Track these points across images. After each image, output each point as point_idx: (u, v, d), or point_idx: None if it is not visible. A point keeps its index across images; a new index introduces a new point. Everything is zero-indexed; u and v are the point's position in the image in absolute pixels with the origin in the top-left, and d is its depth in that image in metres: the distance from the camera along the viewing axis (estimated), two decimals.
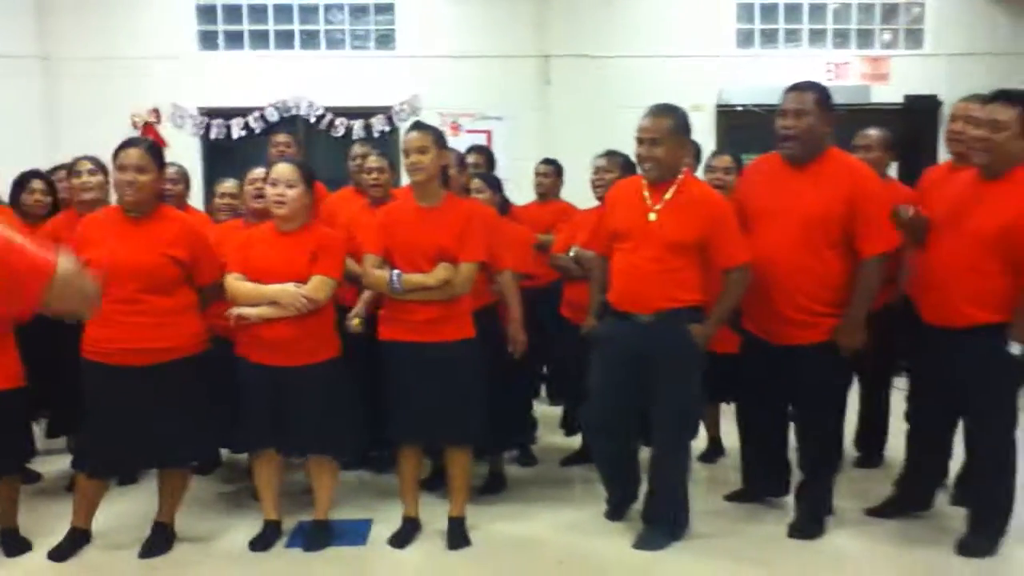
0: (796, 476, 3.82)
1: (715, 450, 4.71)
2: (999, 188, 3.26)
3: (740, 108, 7.74)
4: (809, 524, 3.67)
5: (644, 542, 3.59)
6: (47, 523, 3.83)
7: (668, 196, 3.40)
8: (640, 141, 3.42)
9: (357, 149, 4.68)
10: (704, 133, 7.65)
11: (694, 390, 3.51)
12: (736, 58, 8.01)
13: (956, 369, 3.39)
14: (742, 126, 7.62)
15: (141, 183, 3.34)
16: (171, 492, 3.64)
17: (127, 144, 3.42)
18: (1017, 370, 3.33)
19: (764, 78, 7.55)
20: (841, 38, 8.20)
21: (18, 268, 1.65)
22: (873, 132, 4.34)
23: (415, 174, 3.47)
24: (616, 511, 3.88)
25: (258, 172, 3.93)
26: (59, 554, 3.51)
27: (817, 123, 3.40)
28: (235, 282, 3.44)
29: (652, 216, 3.41)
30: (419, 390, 3.45)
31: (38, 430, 4.24)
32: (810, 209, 3.39)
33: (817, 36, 8.20)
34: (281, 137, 5.14)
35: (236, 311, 3.39)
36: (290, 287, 3.37)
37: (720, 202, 3.50)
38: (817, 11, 8.18)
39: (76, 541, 3.57)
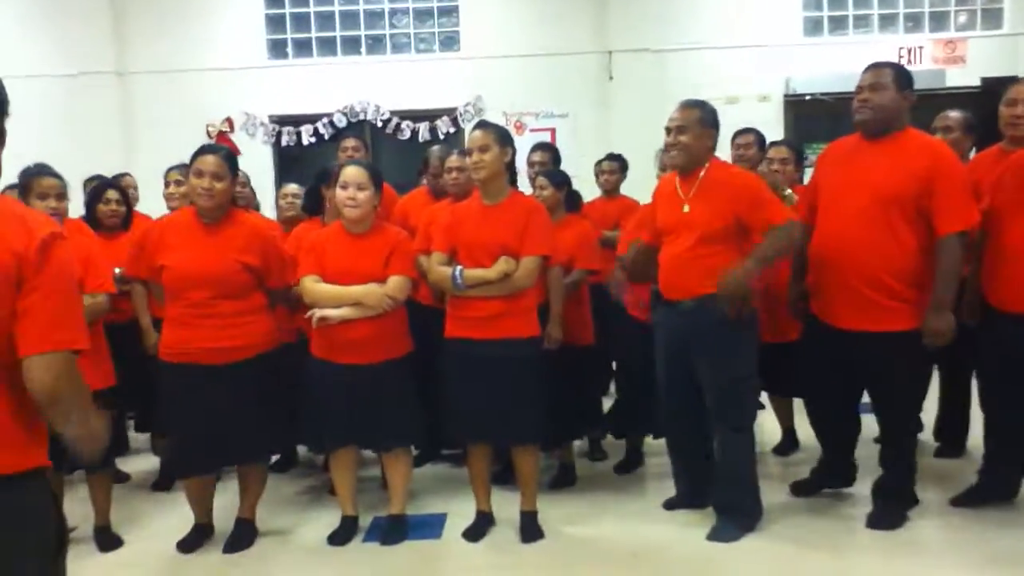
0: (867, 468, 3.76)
1: (789, 443, 4.65)
2: None
3: (809, 97, 7.61)
4: (888, 514, 3.60)
5: (717, 533, 3.58)
6: (138, 519, 4.00)
7: (697, 184, 3.48)
8: (668, 131, 3.54)
9: (436, 152, 4.71)
10: (771, 124, 7.56)
11: (740, 372, 3.52)
12: (803, 46, 7.89)
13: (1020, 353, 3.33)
14: (811, 116, 7.51)
15: (218, 190, 3.43)
16: (251, 488, 3.75)
17: (204, 151, 3.52)
18: None
19: (833, 66, 7.42)
20: (913, 22, 8.00)
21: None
22: (953, 114, 4.26)
23: (476, 172, 3.53)
24: (680, 500, 3.87)
25: (291, 188, 4.25)
26: (186, 545, 3.67)
27: (895, 97, 3.40)
28: (315, 284, 3.52)
29: (686, 208, 3.50)
30: (479, 388, 3.48)
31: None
32: (884, 183, 3.35)
33: (888, 21, 8.02)
34: (350, 142, 5.23)
35: (319, 313, 3.47)
36: (375, 288, 3.45)
37: (743, 174, 3.59)
38: None
39: (200, 534, 3.73)
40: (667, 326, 3.62)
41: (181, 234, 3.52)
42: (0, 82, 1.75)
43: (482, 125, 3.64)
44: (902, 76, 3.43)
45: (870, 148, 3.45)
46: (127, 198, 4.58)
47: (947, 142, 3.87)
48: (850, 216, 3.41)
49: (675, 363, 3.61)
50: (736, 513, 3.62)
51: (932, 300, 3.33)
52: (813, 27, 8.01)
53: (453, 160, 4.30)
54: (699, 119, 3.51)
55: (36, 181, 3.56)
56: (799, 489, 3.96)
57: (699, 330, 3.48)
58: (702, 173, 3.51)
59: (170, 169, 4.75)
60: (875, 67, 3.47)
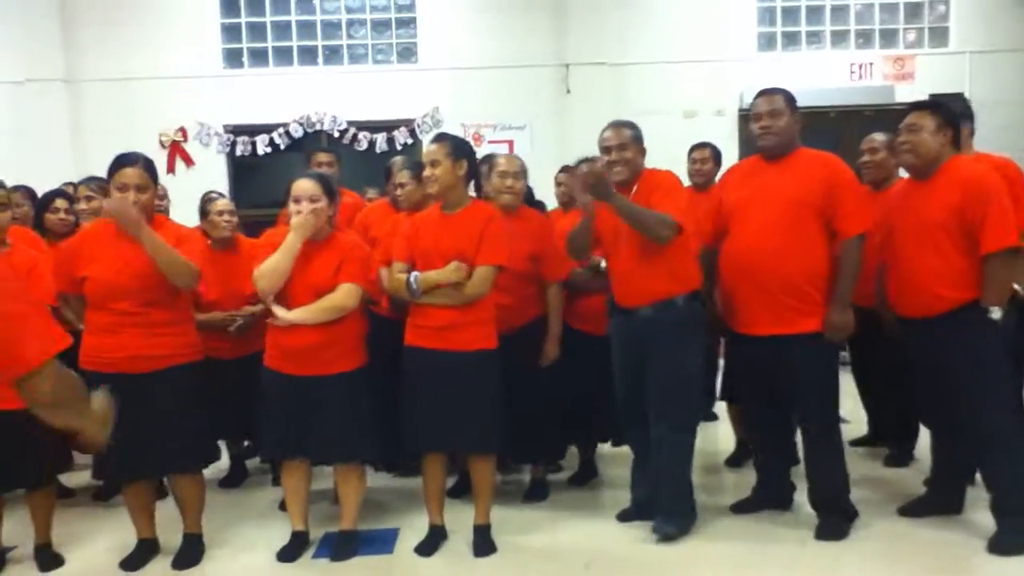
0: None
1: (742, 454, 4.68)
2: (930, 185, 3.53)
3: None
4: (834, 527, 3.64)
5: (657, 529, 3.66)
6: (81, 537, 3.90)
7: (632, 195, 3.57)
8: (608, 150, 3.64)
9: (397, 163, 4.64)
10: (726, 138, 7.66)
11: (687, 370, 3.60)
12: (757, 62, 8.00)
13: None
14: None
15: (143, 202, 3.36)
16: (187, 500, 3.65)
17: (123, 162, 3.41)
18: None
19: (787, 81, 7.47)
20: (864, 38, 8.15)
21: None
22: (879, 136, 4.48)
23: (429, 186, 3.56)
24: (634, 512, 3.90)
25: (223, 203, 4.23)
26: (130, 564, 3.58)
27: (790, 120, 3.61)
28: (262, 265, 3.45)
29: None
30: (435, 398, 3.48)
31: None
32: (792, 192, 3.54)
33: (839, 37, 8.16)
34: (323, 156, 5.21)
35: (280, 312, 3.41)
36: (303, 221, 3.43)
37: (664, 175, 3.65)
38: (839, 12, 8.15)
39: (144, 551, 3.64)
40: (624, 334, 3.68)
41: (102, 245, 3.42)
42: None
43: (438, 138, 3.63)
44: (791, 100, 3.63)
45: (772, 167, 3.65)
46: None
47: (873, 163, 4.38)
48: (762, 226, 3.56)
49: (632, 370, 3.66)
50: (673, 514, 3.68)
51: (834, 296, 3.52)
52: (767, 42, 8.13)
53: (402, 175, 4.30)
54: (632, 137, 3.66)
55: None
56: (739, 509, 3.97)
57: (655, 333, 3.56)
58: (636, 185, 3.62)
59: (80, 182, 4.50)
60: (768, 94, 3.65)
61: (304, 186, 3.48)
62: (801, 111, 3.68)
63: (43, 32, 7.71)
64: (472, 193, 3.69)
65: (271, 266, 3.42)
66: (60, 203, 4.50)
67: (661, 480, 3.70)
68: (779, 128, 3.58)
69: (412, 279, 3.49)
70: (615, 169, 3.61)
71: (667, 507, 3.70)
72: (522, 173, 4.07)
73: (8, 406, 3.16)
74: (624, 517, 3.90)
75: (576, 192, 3.62)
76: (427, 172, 3.53)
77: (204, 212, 4.33)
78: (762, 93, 3.67)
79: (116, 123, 7.60)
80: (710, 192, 4.74)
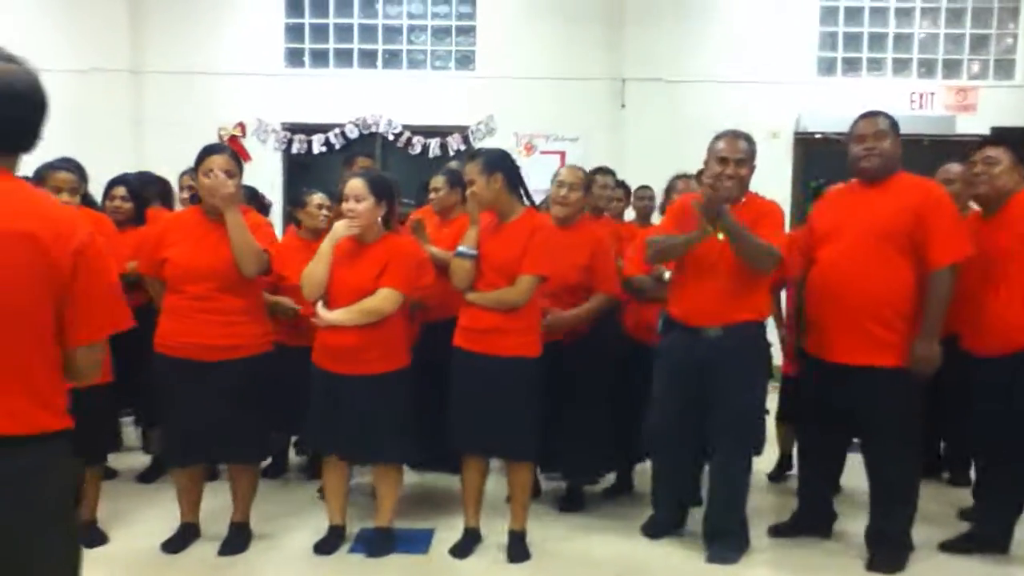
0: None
1: (785, 468, 4.68)
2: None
3: (819, 136, 7.64)
4: (890, 558, 3.57)
5: (717, 555, 3.61)
6: (124, 516, 3.98)
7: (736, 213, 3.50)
8: (724, 160, 3.53)
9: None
10: (780, 160, 7.60)
11: (757, 400, 3.63)
12: (816, 85, 7.93)
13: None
14: (820, 154, 7.52)
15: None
16: (241, 491, 3.73)
17: (212, 150, 3.56)
18: None
19: (845, 106, 7.44)
20: (926, 68, 8.04)
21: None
22: (954, 167, 4.38)
23: (470, 203, 3.62)
24: (658, 526, 3.88)
25: (319, 197, 4.26)
26: (173, 546, 3.66)
27: (894, 143, 3.55)
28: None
29: (721, 236, 3.49)
30: (475, 401, 3.51)
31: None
32: (879, 219, 3.47)
33: (901, 65, 8.06)
34: (364, 161, 5.29)
35: (320, 312, 3.46)
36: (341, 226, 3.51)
37: (772, 205, 3.65)
38: (902, 40, 8.05)
39: (186, 535, 3.72)
40: (683, 353, 3.61)
41: (186, 229, 3.56)
42: (40, 87, 1.83)
43: (472, 156, 3.69)
44: (895, 123, 3.59)
45: (868, 191, 3.58)
46: (135, 196, 4.60)
47: (951, 193, 4.01)
48: (849, 251, 3.50)
49: (684, 389, 3.61)
50: (729, 537, 3.66)
51: (922, 328, 3.42)
52: (827, 67, 8.06)
53: (436, 181, 4.39)
54: (750, 153, 3.59)
55: (51, 175, 3.60)
56: (778, 532, 3.93)
57: (722, 357, 3.51)
58: (742, 203, 3.57)
59: (183, 173, 4.77)
60: (872, 116, 3.59)
61: (351, 185, 3.54)
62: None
63: (111, 22, 7.88)
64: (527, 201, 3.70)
65: (308, 273, 3.49)
66: (118, 191, 4.61)
67: (719, 506, 3.67)
68: (883, 150, 3.51)
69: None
70: (726, 184, 3.51)
71: (725, 533, 3.66)
72: (580, 185, 4.07)
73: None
74: (651, 532, 3.88)
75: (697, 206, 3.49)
76: (468, 191, 3.61)
77: (303, 203, 4.42)
78: (865, 115, 3.60)
79: (177, 115, 7.74)
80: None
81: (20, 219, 1.71)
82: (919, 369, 3.44)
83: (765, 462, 4.83)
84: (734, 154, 3.54)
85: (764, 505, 4.30)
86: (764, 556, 3.71)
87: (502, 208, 3.59)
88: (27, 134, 1.79)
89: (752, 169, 3.60)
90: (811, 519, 3.89)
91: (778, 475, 4.74)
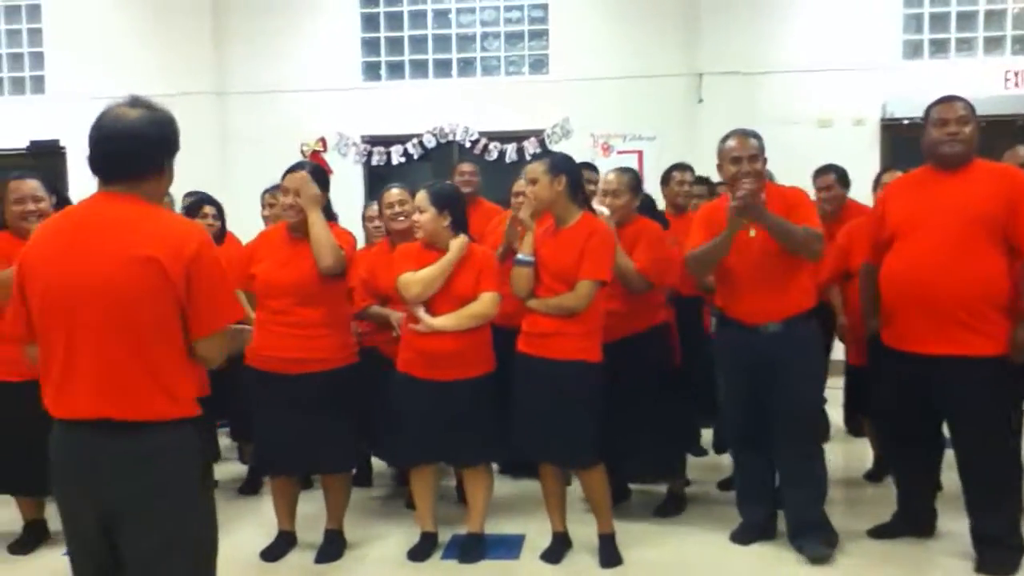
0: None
1: (882, 469, 4.53)
2: None
3: (907, 122, 7.37)
4: (1001, 560, 3.41)
5: (810, 552, 3.56)
6: (222, 526, 4.09)
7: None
8: (738, 160, 3.53)
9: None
10: (866, 149, 7.38)
11: (820, 393, 3.75)
12: (902, 69, 7.66)
13: None
14: (910, 140, 7.26)
15: (301, 202, 3.56)
16: (335, 499, 3.81)
17: (292, 168, 3.67)
18: None
19: (934, 89, 7.16)
20: (1021, 44, 7.69)
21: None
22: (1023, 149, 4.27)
23: (527, 203, 3.62)
24: (747, 533, 3.79)
25: (394, 194, 4.14)
26: (272, 554, 3.76)
27: (975, 128, 3.46)
28: (411, 274, 3.58)
29: (752, 233, 3.52)
30: (535, 406, 3.50)
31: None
32: (969, 207, 3.35)
33: (993, 43, 7.72)
34: (466, 167, 5.38)
35: (426, 319, 3.52)
36: (459, 244, 3.58)
37: (796, 192, 3.69)
38: (994, 17, 7.72)
39: (284, 543, 3.81)
40: (744, 351, 3.60)
41: (272, 246, 3.69)
42: (171, 123, 2.19)
43: (538, 156, 3.76)
44: (973, 108, 3.48)
45: (946, 178, 3.45)
46: (222, 214, 4.76)
47: None
48: (935, 241, 3.38)
49: (752, 390, 3.61)
50: (816, 530, 3.61)
51: (1020, 316, 3.31)
52: (913, 50, 7.78)
53: (518, 185, 4.35)
54: (761, 147, 3.59)
55: None
56: (880, 534, 3.80)
57: (783, 352, 3.52)
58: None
59: (265, 191, 4.93)
60: (952, 100, 3.49)
61: (418, 197, 3.66)
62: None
63: (197, 47, 8.18)
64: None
65: (431, 276, 3.54)
66: (208, 209, 4.78)
67: (798, 499, 3.62)
68: (966, 136, 3.41)
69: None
70: (746, 183, 3.47)
71: (810, 527, 3.61)
72: (622, 191, 3.97)
73: None
74: (742, 538, 3.79)
75: (728, 211, 3.47)
76: (528, 190, 3.60)
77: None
78: (945, 99, 3.50)
79: (261, 133, 7.97)
80: (840, 219, 4.59)
81: (143, 245, 2.02)
82: (1017, 358, 3.31)
83: (855, 458, 4.71)
84: (746, 151, 3.54)
85: (861, 506, 4.17)
86: (862, 560, 3.59)
87: (560, 212, 3.58)
88: (145, 165, 2.12)
89: (765, 162, 3.59)
90: (912, 519, 3.76)
91: (877, 474, 4.57)
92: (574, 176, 3.60)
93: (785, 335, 3.53)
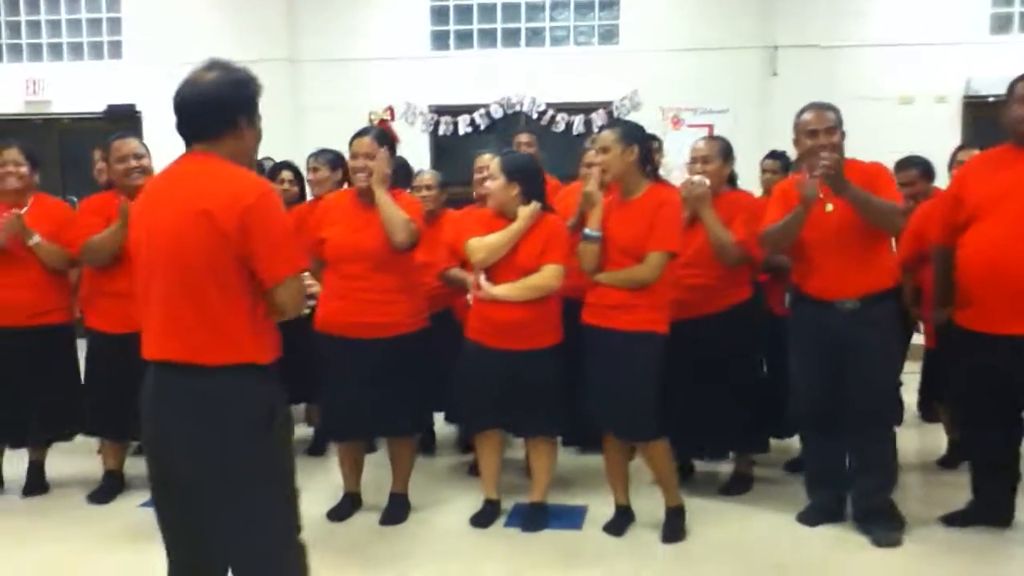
0: None
1: (956, 454, 4.42)
2: None
3: (992, 99, 7.10)
4: None
5: (881, 538, 3.49)
6: None
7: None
8: (815, 133, 3.48)
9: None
10: (948, 126, 7.14)
11: (898, 369, 3.68)
12: (987, 45, 7.37)
13: None
14: (994, 119, 7.00)
15: (371, 168, 3.59)
16: (400, 463, 3.87)
17: (359, 133, 3.71)
18: None
19: (1021, 66, 6.89)
20: None
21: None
22: None
23: (600, 173, 3.56)
24: (816, 514, 3.72)
25: (486, 158, 4.16)
26: (337, 515, 3.84)
27: None
28: (479, 240, 3.59)
29: (829, 207, 3.46)
30: (602, 376, 3.48)
31: None
32: None
33: None
34: (524, 137, 5.37)
35: (487, 286, 3.53)
36: (528, 211, 3.57)
37: (876, 167, 3.59)
38: None
39: (349, 504, 3.89)
40: (821, 329, 3.51)
41: (342, 211, 3.73)
42: (244, 83, 2.25)
43: (609, 124, 3.79)
44: None
45: None
46: (300, 178, 4.83)
47: None
48: (1018, 222, 3.29)
49: (826, 365, 3.52)
50: (887, 516, 3.55)
51: None
52: (1000, 24, 7.48)
53: (589, 155, 4.30)
54: (838, 120, 3.53)
55: None
56: (952, 521, 3.71)
57: (861, 330, 3.44)
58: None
59: (309, 156, 4.88)
60: None
61: (490, 163, 3.67)
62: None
63: (272, 16, 8.28)
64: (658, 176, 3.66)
65: (495, 243, 3.55)
66: (286, 175, 4.85)
67: (869, 484, 3.56)
68: None
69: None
70: (824, 155, 3.39)
71: (880, 512, 3.56)
72: (713, 156, 3.92)
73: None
74: (809, 520, 3.73)
75: (801, 183, 3.41)
76: (599, 159, 3.55)
77: (414, 187, 4.52)
78: (1021, 77, 3.39)
79: (331, 101, 8.03)
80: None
81: (199, 199, 2.11)
82: None
83: (936, 444, 4.60)
84: (822, 124, 3.48)
85: (934, 492, 4.08)
86: (931, 547, 3.51)
87: (629, 182, 3.53)
88: (218, 124, 2.20)
89: (843, 136, 3.52)
90: (988, 508, 3.66)
91: (951, 461, 4.46)
92: (645, 146, 3.56)
93: (862, 313, 3.45)
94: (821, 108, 3.55)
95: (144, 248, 2.21)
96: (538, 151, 5.27)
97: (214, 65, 2.23)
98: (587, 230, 3.55)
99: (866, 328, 3.45)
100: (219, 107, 2.20)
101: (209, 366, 2.12)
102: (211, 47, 8.15)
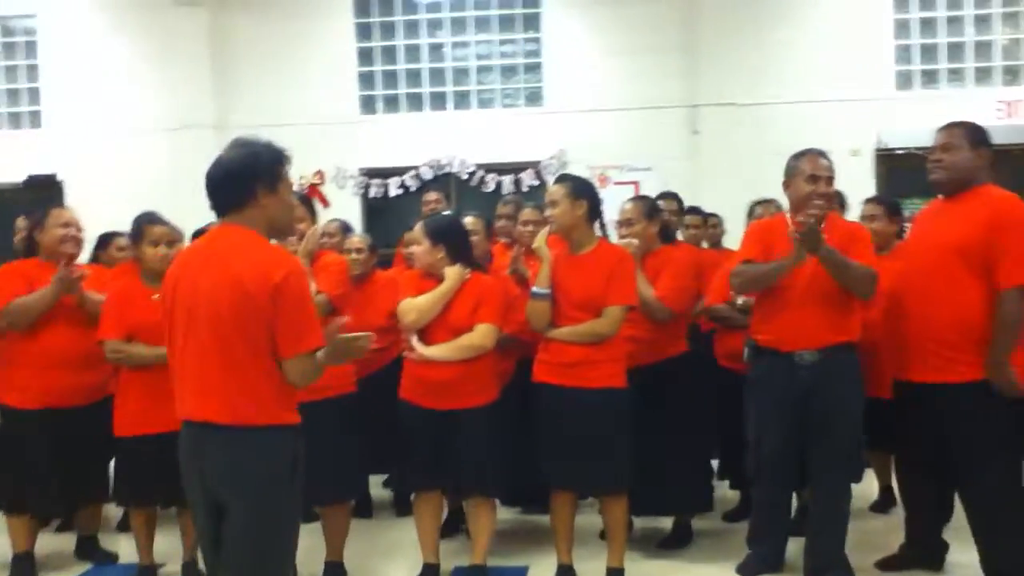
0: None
1: (887, 500, 4.51)
2: None
3: (901, 152, 7.44)
4: None
5: None
6: None
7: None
8: (816, 179, 3.48)
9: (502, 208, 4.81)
10: (862, 179, 7.41)
11: (858, 422, 3.54)
12: (895, 100, 7.74)
13: None
14: (904, 170, 7.32)
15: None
16: (335, 530, 3.77)
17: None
18: None
19: (927, 119, 7.20)
20: (1011, 75, 7.78)
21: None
22: None
23: (550, 226, 3.60)
24: (757, 564, 3.72)
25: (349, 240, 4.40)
26: None
27: (968, 156, 3.40)
28: (411, 300, 3.57)
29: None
30: (563, 435, 3.47)
31: None
32: (947, 235, 3.35)
33: (984, 73, 7.82)
34: (431, 195, 5.45)
35: (419, 348, 3.50)
36: (457, 271, 3.56)
37: (859, 228, 3.69)
38: (984, 48, 7.82)
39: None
40: (778, 380, 3.50)
41: None
42: (257, 155, 2.46)
43: (559, 179, 3.75)
44: (975, 134, 3.42)
45: (947, 206, 3.48)
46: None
47: None
48: (917, 268, 3.43)
49: (784, 418, 3.50)
50: (837, 571, 3.54)
51: (989, 354, 3.25)
52: (905, 81, 7.87)
53: (526, 213, 4.39)
54: (834, 169, 3.55)
55: (148, 228, 3.73)
56: (887, 566, 3.76)
57: (822, 383, 3.43)
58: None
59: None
60: (947, 128, 3.48)
61: (415, 231, 3.68)
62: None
63: (196, 81, 8.23)
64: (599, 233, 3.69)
65: (425, 305, 3.53)
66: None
67: (825, 539, 3.56)
68: (949, 163, 3.39)
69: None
70: (819, 203, 3.38)
71: (832, 567, 3.54)
72: (636, 219, 3.95)
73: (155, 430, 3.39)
74: (749, 571, 3.73)
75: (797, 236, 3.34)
76: (548, 212, 3.60)
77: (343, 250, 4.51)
78: (943, 127, 3.49)
79: None
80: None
81: (233, 267, 2.32)
82: (1000, 388, 3.24)
83: (867, 490, 4.67)
84: (823, 172, 3.49)
85: (868, 537, 4.14)
86: None
87: (578, 237, 3.58)
88: (236, 197, 2.41)
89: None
90: (920, 550, 3.72)
91: (882, 505, 4.53)
92: (594, 201, 3.60)
93: (823, 365, 3.43)
94: (819, 155, 3.54)
95: (181, 313, 2.39)
96: (446, 207, 5.35)
97: (236, 142, 2.47)
98: (535, 288, 3.57)
99: (827, 381, 3.43)
100: (233, 181, 2.40)
101: (244, 427, 2.33)
102: (134, 115, 8.20)
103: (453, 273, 3.57)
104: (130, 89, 8.21)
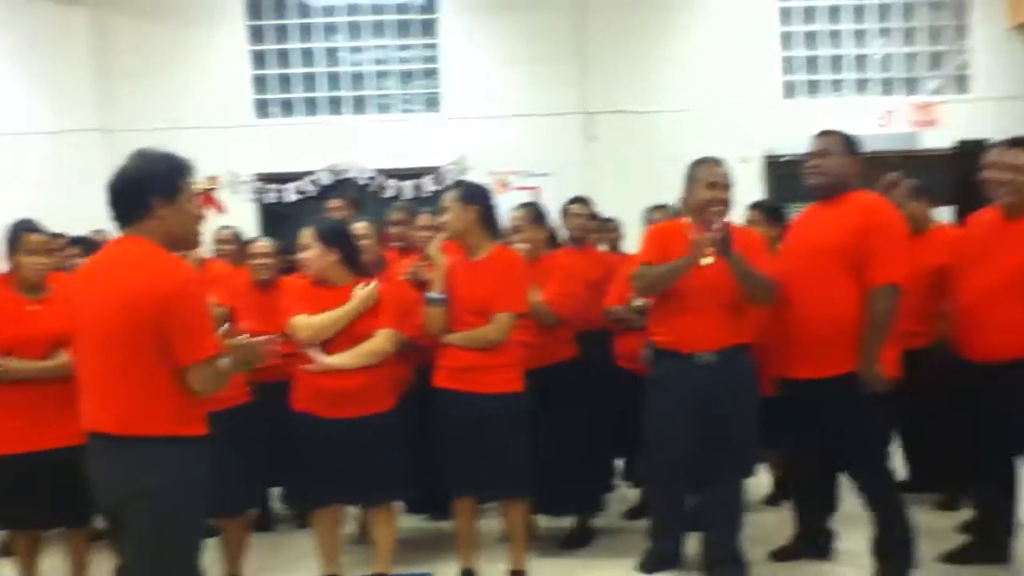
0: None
1: (780, 494, 4.66)
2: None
3: (787, 158, 7.74)
4: (892, 573, 3.52)
5: None
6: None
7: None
8: (715, 186, 3.56)
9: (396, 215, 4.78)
10: (752, 184, 7.68)
11: (757, 421, 3.62)
12: (782, 109, 8.05)
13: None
14: (790, 176, 7.61)
15: None
16: (235, 543, 3.69)
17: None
18: None
19: (811, 128, 7.52)
20: (888, 85, 8.21)
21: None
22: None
23: (445, 232, 3.63)
24: (659, 561, 3.80)
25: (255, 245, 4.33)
26: None
27: (842, 162, 3.56)
28: (307, 318, 3.48)
29: (708, 261, 3.42)
30: (462, 441, 3.48)
31: None
32: (821, 237, 3.50)
33: (864, 84, 8.23)
34: (335, 202, 5.39)
35: (320, 358, 3.44)
36: (363, 294, 3.49)
37: (758, 236, 3.87)
38: (863, 60, 8.22)
39: None
40: (677, 380, 3.56)
41: None
42: (154, 165, 2.46)
43: (452, 185, 3.79)
44: (848, 141, 3.59)
45: (822, 210, 3.62)
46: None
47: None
48: (796, 271, 3.56)
49: (683, 418, 3.55)
50: (733, 564, 3.64)
51: (860, 350, 3.39)
52: (791, 90, 8.20)
53: (423, 219, 4.39)
54: (731, 177, 3.63)
55: (24, 237, 3.54)
56: (779, 556, 3.91)
57: (719, 383, 3.51)
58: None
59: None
60: (823, 135, 3.64)
61: (305, 235, 3.63)
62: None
63: (76, 83, 7.88)
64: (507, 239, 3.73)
65: (323, 324, 3.45)
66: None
67: (722, 534, 3.66)
68: (825, 168, 3.53)
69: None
70: (717, 208, 3.50)
71: (729, 561, 3.65)
72: (523, 226, 4.01)
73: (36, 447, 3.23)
74: (649, 567, 3.81)
75: (696, 242, 3.39)
76: (441, 218, 3.63)
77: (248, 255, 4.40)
78: (818, 135, 3.63)
79: None
80: None
81: (123, 279, 2.32)
82: (869, 384, 3.39)
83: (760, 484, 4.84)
84: (722, 178, 3.58)
85: (762, 530, 4.28)
86: None
87: (472, 241, 3.59)
88: (132, 209, 2.40)
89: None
90: (809, 540, 3.87)
91: (775, 499, 4.70)
92: (486, 206, 3.60)
93: (721, 366, 3.52)
94: (716, 163, 3.63)
95: (78, 326, 2.41)
96: (351, 213, 5.26)
97: (136, 153, 2.45)
98: (430, 294, 3.56)
99: (725, 381, 3.53)
100: (128, 192, 2.39)
101: (139, 438, 2.31)
102: (15, 119, 7.77)
103: (362, 295, 3.49)
104: (10, 93, 7.81)
